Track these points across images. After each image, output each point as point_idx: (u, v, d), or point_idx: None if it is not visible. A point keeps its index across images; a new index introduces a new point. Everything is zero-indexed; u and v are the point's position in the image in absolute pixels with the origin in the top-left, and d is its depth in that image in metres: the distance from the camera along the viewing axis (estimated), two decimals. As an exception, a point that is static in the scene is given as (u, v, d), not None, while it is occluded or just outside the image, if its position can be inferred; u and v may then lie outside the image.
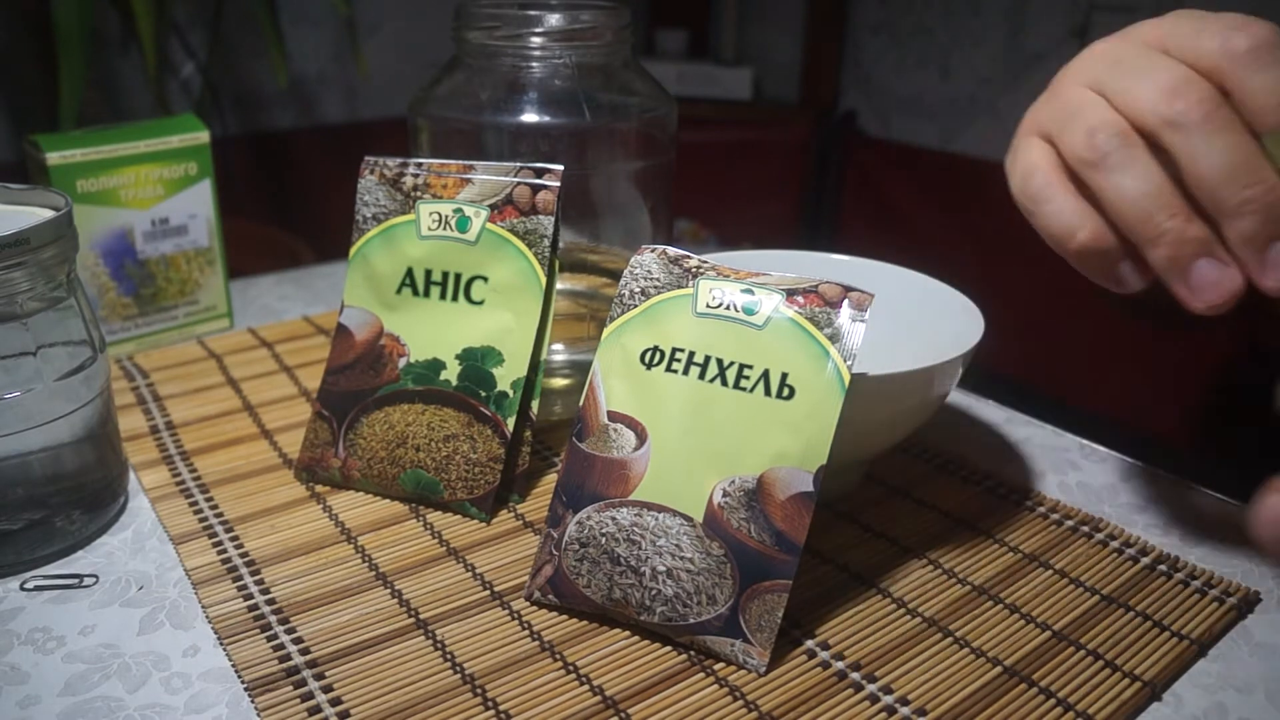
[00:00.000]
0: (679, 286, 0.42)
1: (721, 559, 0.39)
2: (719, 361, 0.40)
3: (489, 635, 0.40)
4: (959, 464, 0.53)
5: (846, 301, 0.39)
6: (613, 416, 0.42)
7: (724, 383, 0.40)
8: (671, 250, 0.44)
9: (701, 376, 0.41)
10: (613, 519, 0.40)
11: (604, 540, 0.40)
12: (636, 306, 0.43)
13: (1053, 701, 0.37)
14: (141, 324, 0.66)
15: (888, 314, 0.52)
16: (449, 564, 0.45)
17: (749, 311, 0.41)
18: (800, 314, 0.40)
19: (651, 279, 0.43)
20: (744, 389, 0.40)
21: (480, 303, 0.49)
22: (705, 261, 0.43)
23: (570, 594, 0.41)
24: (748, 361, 0.40)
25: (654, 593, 0.39)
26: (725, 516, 0.39)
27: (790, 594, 0.38)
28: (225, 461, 0.53)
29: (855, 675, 0.38)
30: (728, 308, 0.41)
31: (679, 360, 0.41)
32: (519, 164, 0.48)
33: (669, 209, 0.59)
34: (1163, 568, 0.45)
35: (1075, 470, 0.53)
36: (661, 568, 0.39)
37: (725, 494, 0.39)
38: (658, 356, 0.42)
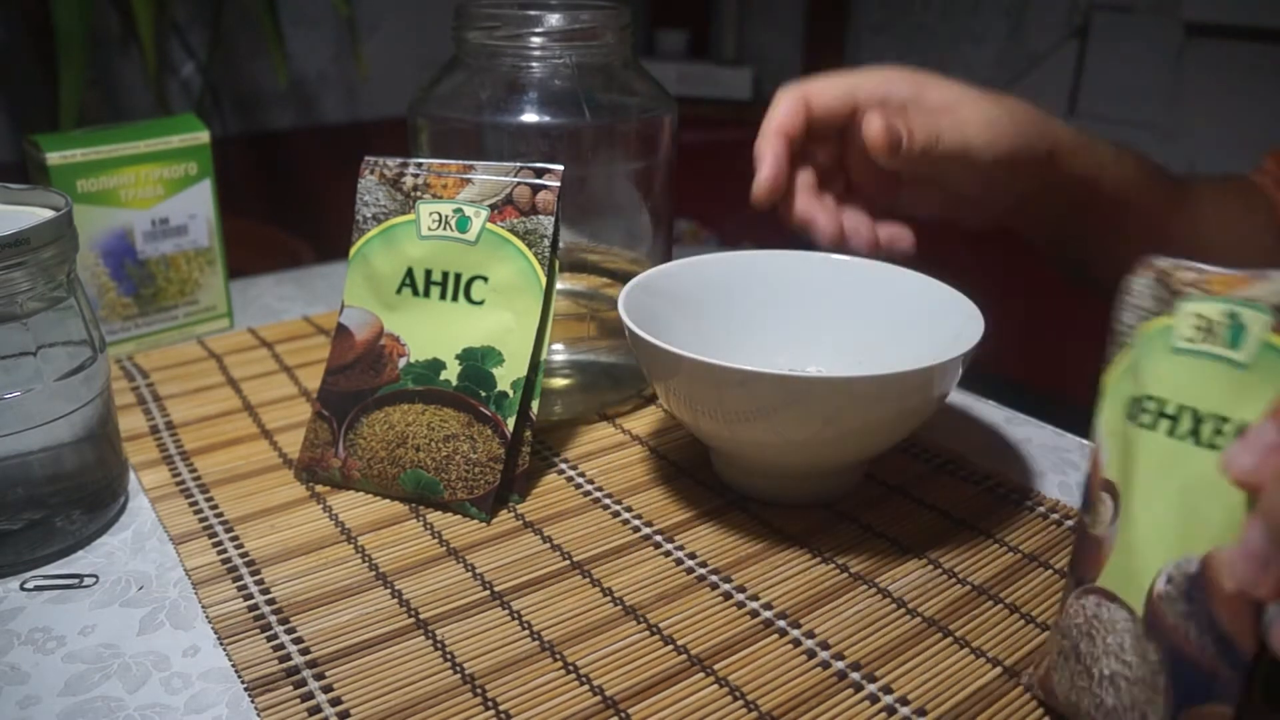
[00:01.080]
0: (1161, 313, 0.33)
1: (1156, 667, 0.31)
2: (1194, 414, 0.31)
3: (489, 635, 0.40)
4: (959, 464, 0.53)
5: None
6: (1103, 485, 0.34)
7: (1197, 440, 0.31)
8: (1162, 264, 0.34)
9: (1171, 433, 0.32)
10: (1083, 607, 0.34)
11: (1074, 632, 0.34)
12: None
13: (1053, 701, 0.37)
14: (141, 324, 0.66)
15: (888, 314, 0.52)
16: (449, 564, 0.45)
17: (1233, 343, 0.31)
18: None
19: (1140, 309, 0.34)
20: (1218, 446, 0.31)
21: (480, 303, 0.49)
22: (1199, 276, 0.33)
23: (1048, 690, 0.36)
24: (1222, 413, 0.31)
25: (1098, 701, 0.33)
26: (1163, 609, 0.30)
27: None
28: (225, 461, 0.53)
29: (855, 675, 0.38)
30: (1206, 339, 0.31)
31: (1148, 411, 0.32)
32: (519, 164, 0.48)
33: (669, 209, 0.59)
34: (1163, 568, 0.45)
35: (1075, 470, 0.53)
36: (1107, 671, 0.33)
37: (1169, 580, 0.30)
38: (1137, 408, 0.33)
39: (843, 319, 0.54)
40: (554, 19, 0.53)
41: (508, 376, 0.48)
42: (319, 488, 0.50)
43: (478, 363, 0.48)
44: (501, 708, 0.37)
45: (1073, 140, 0.49)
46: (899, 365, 0.43)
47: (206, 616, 0.41)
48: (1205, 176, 0.59)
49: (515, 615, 0.41)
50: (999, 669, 0.39)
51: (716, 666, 0.39)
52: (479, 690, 0.37)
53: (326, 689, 0.37)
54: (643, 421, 0.57)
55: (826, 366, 0.54)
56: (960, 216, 0.55)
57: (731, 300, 0.55)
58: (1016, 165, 0.46)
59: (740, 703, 0.37)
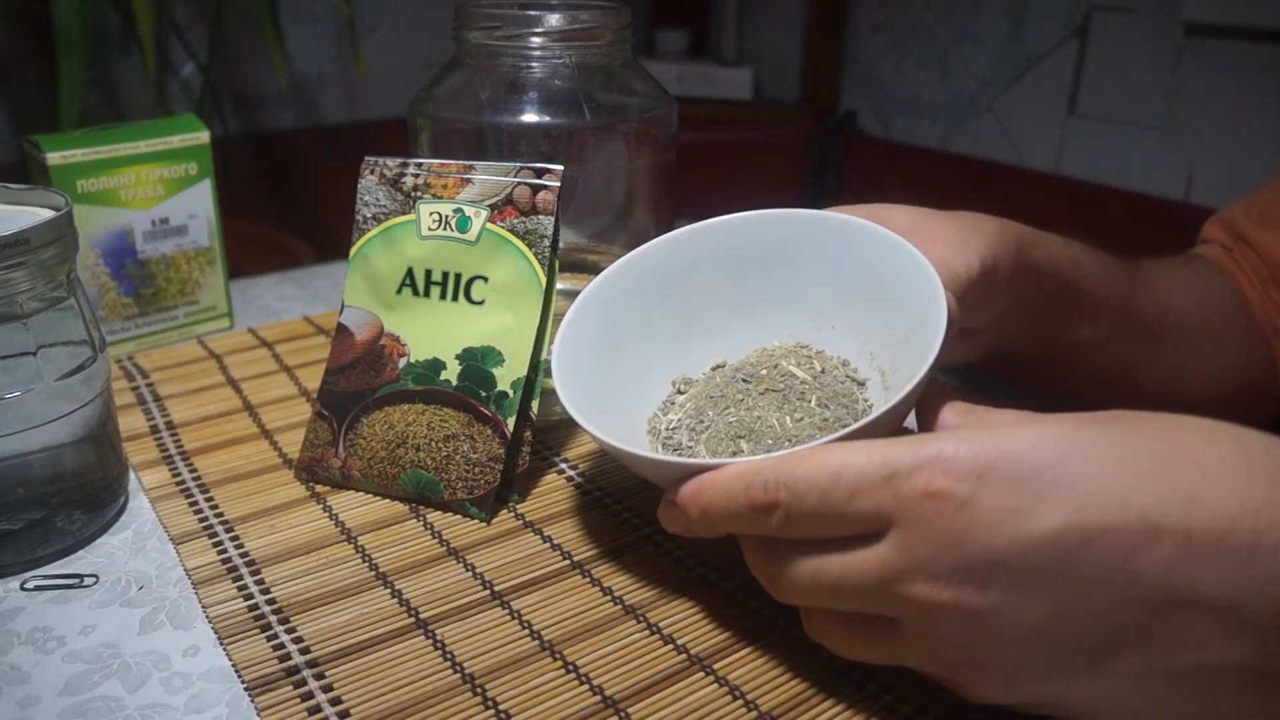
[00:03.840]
0: None
1: None
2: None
3: (489, 635, 0.40)
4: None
5: None
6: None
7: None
8: None
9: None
10: None
11: None
12: None
13: (1052, 701, 0.37)
14: (141, 324, 0.66)
15: (856, 273, 0.47)
16: (449, 564, 0.45)
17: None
18: None
19: None
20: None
21: (480, 303, 0.49)
22: None
23: None
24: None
25: None
26: None
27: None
28: (225, 461, 0.53)
29: (855, 674, 0.38)
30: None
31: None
32: (519, 164, 0.48)
33: (669, 209, 0.59)
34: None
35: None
36: None
37: None
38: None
39: (817, 277, 0.48)
40: (554, 19, 0.53)
41: (508, 376, 0.48)
42: (319, 488, 0.50)
43: (478, 363, 0.48)
44: (501, 707, 0.37)
45: (1031, 233, 0.49)
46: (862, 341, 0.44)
47: (206, 616, 0.41)
48: (1150, 260, 0.59)
49: (515, 615, 0.41)
50: (999, 669, 0.39)
51: (716, 666, 0.39)
52: (479, 690, 0.37)
53: (326, 689, 0.37)
54: (643, 421, 0.57)
55: (808, 334, 0.50)
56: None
57: (699, 276, 0.50)
58: (994, 275, 0.45)
59: (740, 702, 0.37)
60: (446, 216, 0.49)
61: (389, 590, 0.43)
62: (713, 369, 0.50)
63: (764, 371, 0.47)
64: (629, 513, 0.49)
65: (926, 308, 0.42)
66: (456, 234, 0.49)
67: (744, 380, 0.47)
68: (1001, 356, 0.53)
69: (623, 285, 0.49)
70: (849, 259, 0.47)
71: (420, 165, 0.50)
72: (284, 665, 0.38)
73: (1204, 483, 0.30)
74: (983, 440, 0.32)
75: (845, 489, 0.33)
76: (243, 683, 0.38)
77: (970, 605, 0.31)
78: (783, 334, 0.50)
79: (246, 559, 0.45)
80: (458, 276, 0.49)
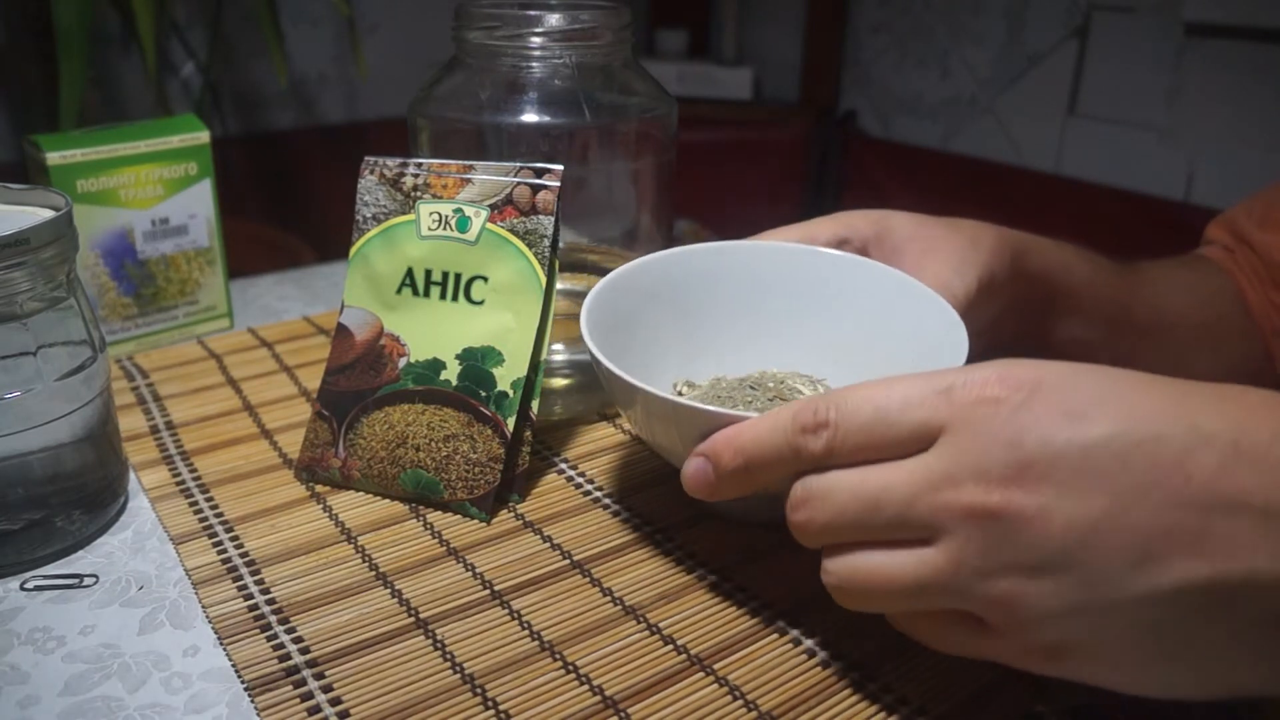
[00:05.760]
0: None
1: None
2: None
3: (489, 635, 0.40)
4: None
5: None
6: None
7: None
8: None
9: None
10: None
11: None
12: None
13: (1052, 701, 0.37)
14: (141, 324, 0.66)
15: (869, 313, 0.49)
16: (449, 564, 0.45)
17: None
18: None
19: None
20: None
21: (480, 303, 0.49)
22: None
23: None
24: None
25: None
26: None
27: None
28: (225, 461, 0.53)
29: (855, 675, 0.38)
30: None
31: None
32: (519, 164, 0.48)
33: (669, 209, 0.59)
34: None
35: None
36: None
37: None
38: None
39: (825, 314, 0.51)
40: (554, 19, 0.53)
41: (508, 376, 0.48)
42: (319, 488, 0.50)
43: (478, 363, 0.48)
44: (501, 707, 0.37)
45: (1024, 240, 0.49)
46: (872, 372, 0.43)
47: (206, 616, 0.41)
48: (1149, 261, 0.60)
49: (515, 615, 0.41)
50: (999, 668, 0.39)
51: (716, 666, 0.39)
52: (479, 690, 0.37)
53: (326, 689, 0.37)
54: (643, 421, 0.57)
55: (807, 365, 0.52)
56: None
57: (710, 294, 0.52)
58: (990, 288, 0.46)
59: (740, 702, 0.37)
60: (446, 216, 0.49)
61: (389, 590, 0.43)
62: (714, 380, 0.51)
63: (770, 384, 0.48)
64: (629, 513, 0.49)
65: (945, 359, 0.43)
66: (456, 234, 0.49)
67: (751, 388, 0.48)
68: (994, 356, 0.53)
69: (639, 283, 0.50)
70: (871, 304, 0.48)
71: (420, 165, 0.50)
72: (284, 665, 0.38)
73: (1246, 409, 0.31)
74: (1032, 365, 0.33)
75: (897, 401, 0.33)
76: (243, 683, 0.38)
77: (1020, 508, 0.31)
78: (784, 361, 0.52)
79: (246, 559, 0.45)
80: (458, 276, 0.49)
